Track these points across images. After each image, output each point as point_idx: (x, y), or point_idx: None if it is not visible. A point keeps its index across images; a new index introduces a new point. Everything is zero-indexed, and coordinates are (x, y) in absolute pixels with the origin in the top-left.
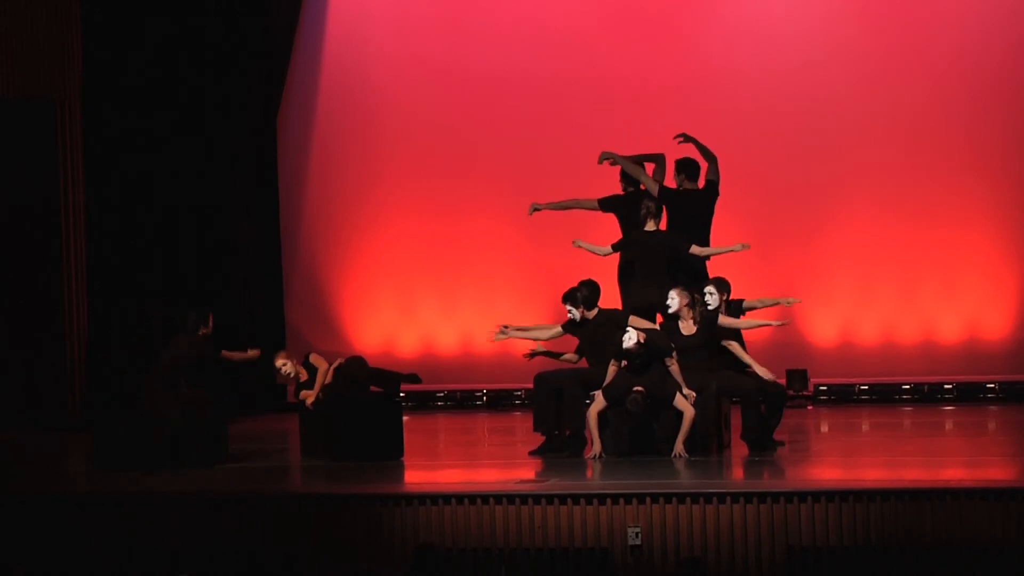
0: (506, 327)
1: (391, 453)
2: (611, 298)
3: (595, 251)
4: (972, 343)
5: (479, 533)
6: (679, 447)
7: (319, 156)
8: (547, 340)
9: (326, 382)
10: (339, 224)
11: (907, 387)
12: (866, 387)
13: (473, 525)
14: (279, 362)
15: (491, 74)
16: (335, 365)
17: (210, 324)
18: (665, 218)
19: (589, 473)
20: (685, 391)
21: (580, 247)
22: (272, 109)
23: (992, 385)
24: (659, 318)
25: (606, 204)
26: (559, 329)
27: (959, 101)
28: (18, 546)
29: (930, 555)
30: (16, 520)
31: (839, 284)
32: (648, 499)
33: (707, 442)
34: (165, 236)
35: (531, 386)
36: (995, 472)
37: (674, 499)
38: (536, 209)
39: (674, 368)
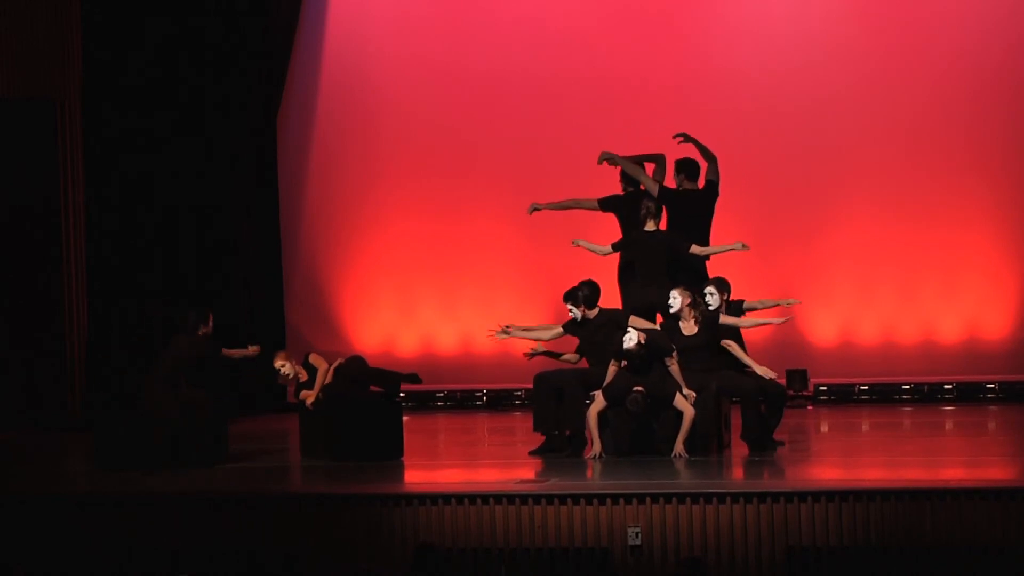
0: (508, 327)
1: (391, 453)
2: (611, 298)
3: (595, 250)
4: (972, 343)
5: (479, 533)
6: (679, 447)
7: (319, 156)
8: (548, 340)
9: (326, 382)
10: (339, 224)
11: (907, 387)
12: (866, 387)
13: (473, 525)
14: (278, 363)
15: (491, 74)
16: (335, 365)
17: (210, 324)
18: (665, 218)
19: (589, 473)
20: (685, 391)
21: (580, 246)
22: (272, 109)
23: (992, 385)
24: (659, 318)
25: (606, 204)
26: (560, 329)
27: (959, 101)
28: (18, 546)
29: (930, 555)
30: (16, 520)
31: (839, 284)
32: (648, 499)
33: (707, 442)
34: (165, 236)
35: (531, 386)
36: (995, 472)
37: (674, 499)
38: (536, 209)
39: (674, 368)
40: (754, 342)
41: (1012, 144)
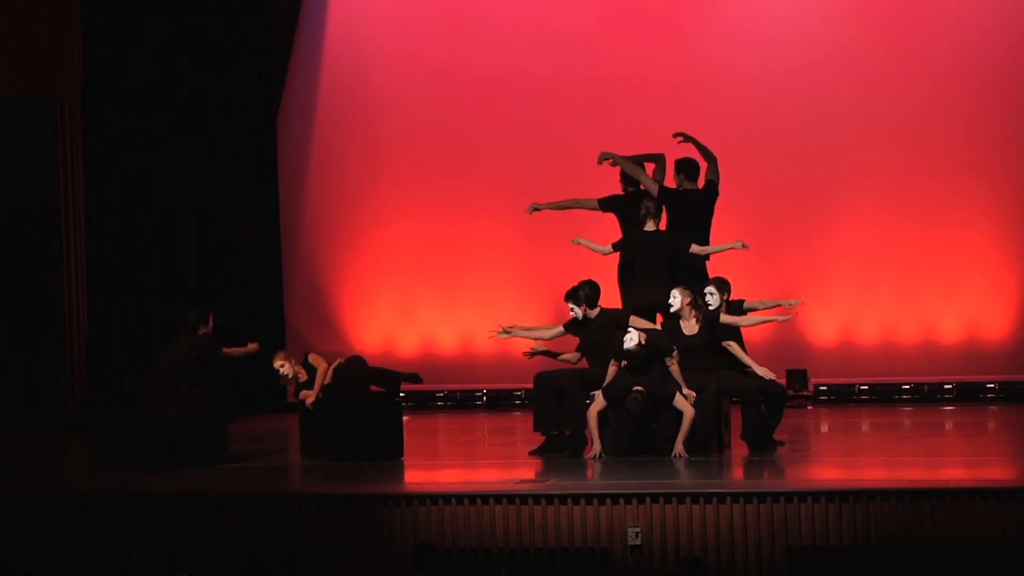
0: (509, 328)
1: (391, 453)
2: (611, 298)
3: (595, 249)
4: (972, 343)
5: (479, 533)
6: (679, 447)
7: (319, 156)
8: (549, 340)
9: (326, 382)
10: (339, 224)
11: (907, 387)
12: (866, 387)
13: (473, 525)
14: (277, 363)
15: (491, 74)
16: (335, 365)
17: (210, 324)
18: (665, 218)
19: (589, 473)
20: (685, 391)
21: (580, 244)
22: (272, 109)
23: (992, 385)
24: (659, 318)
25: (606, 204)
26: (560, 329)
27: (959, 101)
28: (18, 546)
29: (930, 555)
30: (16, 520)
31: (839, 284)
32: (648, 499)
33: (707, 442)
34: (165, 236)
35: (531, 386)
36: (995, 472)
37: (674, 499)
38: (536, 209)
39: (674, 368)
40: (754, 342)
41: (1012, 144)
